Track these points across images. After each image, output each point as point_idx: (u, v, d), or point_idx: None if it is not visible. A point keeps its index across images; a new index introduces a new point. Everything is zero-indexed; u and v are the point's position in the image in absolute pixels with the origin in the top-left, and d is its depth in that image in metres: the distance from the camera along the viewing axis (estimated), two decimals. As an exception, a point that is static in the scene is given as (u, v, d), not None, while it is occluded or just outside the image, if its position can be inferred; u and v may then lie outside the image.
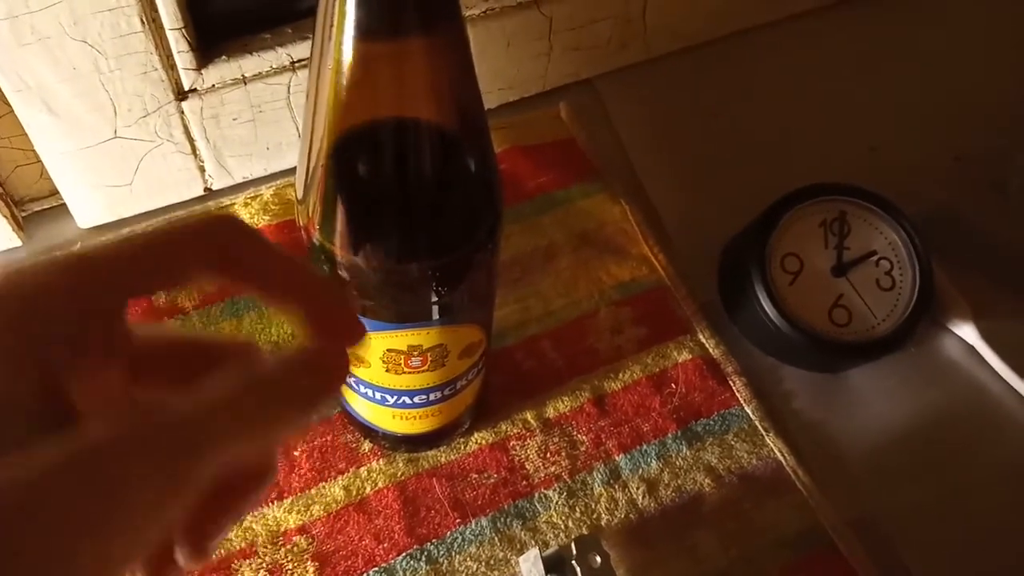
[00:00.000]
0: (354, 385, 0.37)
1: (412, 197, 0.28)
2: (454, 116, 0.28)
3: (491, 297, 0.36)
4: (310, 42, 0.44)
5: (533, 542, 0.41)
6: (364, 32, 0.23)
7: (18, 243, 0.47)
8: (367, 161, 0.27)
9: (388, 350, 0.33)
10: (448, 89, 0.27)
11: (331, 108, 0.25)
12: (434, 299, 0.31)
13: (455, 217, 0.29)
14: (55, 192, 0.47)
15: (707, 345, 0.47)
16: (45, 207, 0.48)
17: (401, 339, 0.32)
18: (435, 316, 0.32)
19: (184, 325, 0.45)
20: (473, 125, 0.28)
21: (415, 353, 0.33)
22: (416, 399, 0.37)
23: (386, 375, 0.35)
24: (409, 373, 0.34)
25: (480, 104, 0.28)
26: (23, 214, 0.48)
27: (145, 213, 0.48)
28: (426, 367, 0.34)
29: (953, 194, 0.54)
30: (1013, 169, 0.55)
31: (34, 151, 0.44)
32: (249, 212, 0.49)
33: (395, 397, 0.36)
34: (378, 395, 0.36)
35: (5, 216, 0.45)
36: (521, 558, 0.39)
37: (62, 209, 0.48)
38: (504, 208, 0.31)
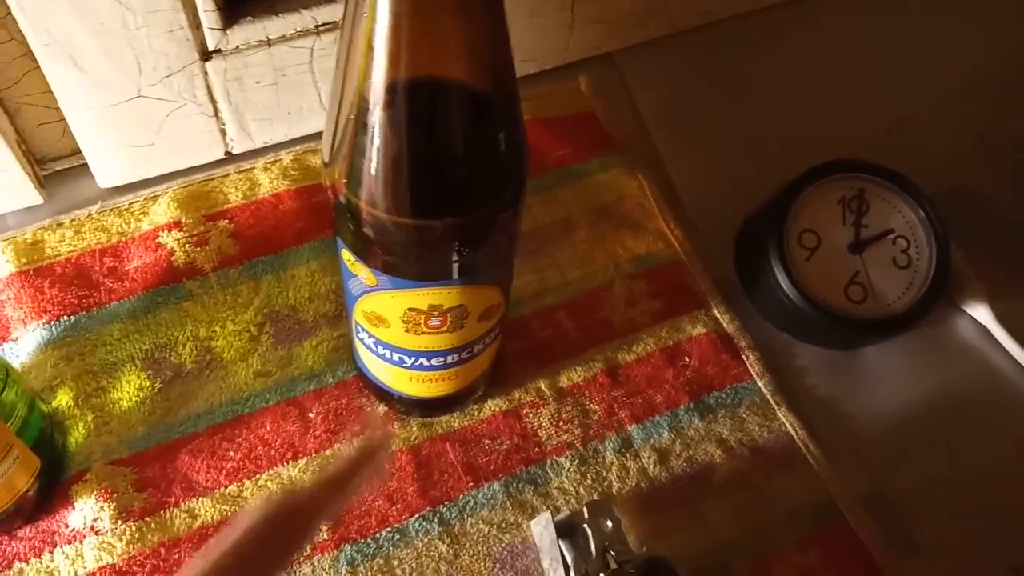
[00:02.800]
0: (372, 346, 0.37)
1: (439, 154, 0.28)
2: (487, 76, 0.28)
3: (511, 261, 0.36)
4: (335, 5, 0.44)
5: (545, 507, 0.41)
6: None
7: (39, 201, 0.47)
8: (397, 118, 0.27)
9: (409, 309, 0.33)
10: (482, 48, 0.27)
11: (363, 65, 0.26)
12: (455, 258, 0.31)
13: (483, 176, 0.29)
14: (76, 151, 0.47)
15: (721, 320, 0.47)
16: (66, 166, 0.49)
17: (423, 298, 0.33)
18: (456, 275, 0.32)
19: (202, 286, 0.45)
20: (504, 87, 0.29)
21: (435, 313, 0.33)
22: (434, 361, 0.37)
23: (405, 335, 0.35)
24: (428, 334, 0.35)
25: (512, 66, 0.28)
26: (44, 172, 0.48)
27: (165, 175, 0.48)
28: (445, 328, 0.35)
29: (971, 176, 0.54)
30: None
31: (57, 109, 0.44)
32: (269, 177, 0.49)
33: (413, 359, 0.37)
34: (396, 356, 0.37)
35: (28, 173, 0.46)
36: (533, 522, 0.40)
37: (83, 169, 0.48)
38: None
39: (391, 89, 0.26)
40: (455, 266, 0.32)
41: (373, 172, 0.28)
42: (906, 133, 0.56)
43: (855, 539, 0.41)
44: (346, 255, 0.33)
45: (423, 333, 0.35)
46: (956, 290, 0.48)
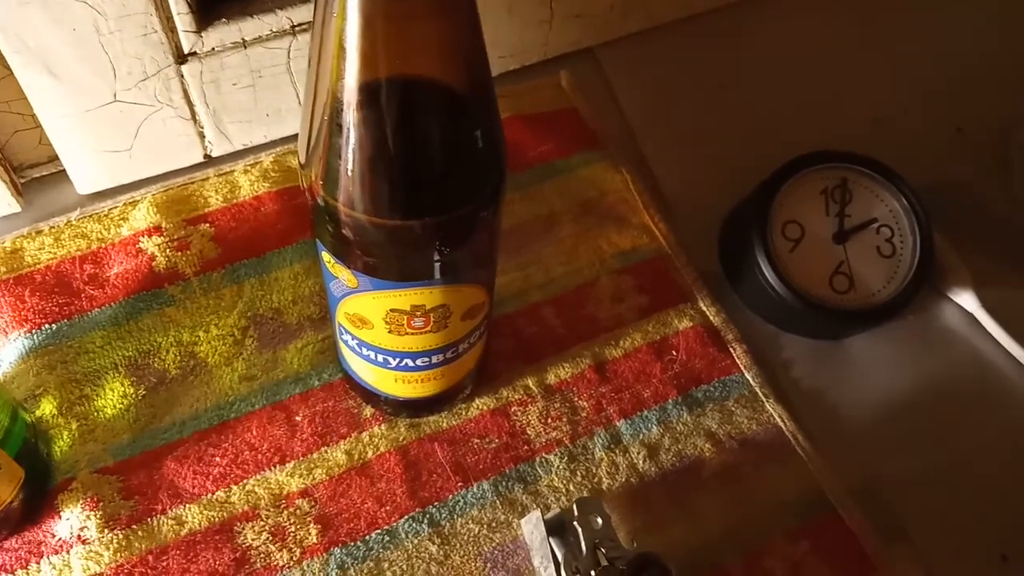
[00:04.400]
0: (356, 348, 0.37)
1: (417, 153, 0.28)
2: (460, 73, 0.27)
3: (494, 259, 0.36)
4: (310, 4, 0.44)
5: (535, 505, 0.41)
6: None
7: (17, 209, 0.47)
8: (371, 118, 0.27)
9: (391, 310, 0.33)
10: (455, 45, 0.26)
11: (335, 65, 0.25)
12: (436, 258, 0.31)
13: (461, 174, 0.29)
14: (54, 158, 0.47)
15: (708, 313, 0.47)
16: (44, 173, 0.48)
17: (404, 299, 0.32)
18: (437, 275, 0.32)
19: (185, 291, 0.45)
20: (479, 83, 0.28)
21: (418, 313, 0.33)
22: (419, 361, 0.37)
23: (388, 336, 0.35)
24: (412, 334, 0.35)
25: (486, 62, 0.28)
26: (22, 180, 0.48)
27: (144, 179, 0.48)
28: (429, 328, 0.34)
29: (954, 167, 0.54)
30: (1015, 142, 0.55)
31: (33, 116, 0.44)
32: (249, 179, 0.48)
33: (397, 359, 0.36)
34: (380, 357, 0.36)
35: (4, 182, 0.45)
36: (523, 520, 0.39)
37: (61, 176, 0.47)
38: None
39: (364, 89, 0.26)
40: (436, 266, 0.31)
41: (349, 173, 0.28)
42: (888, 125, 0.56)
43: (845, 530, 0.41)
44: (326, 257, 0.33)
45: (406, 334, 0.34)
46: (941, 278, 0.48)
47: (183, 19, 0.41)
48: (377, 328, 0.34)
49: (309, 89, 0.28)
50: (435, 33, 0.25)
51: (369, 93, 0.26)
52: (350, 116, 0.26)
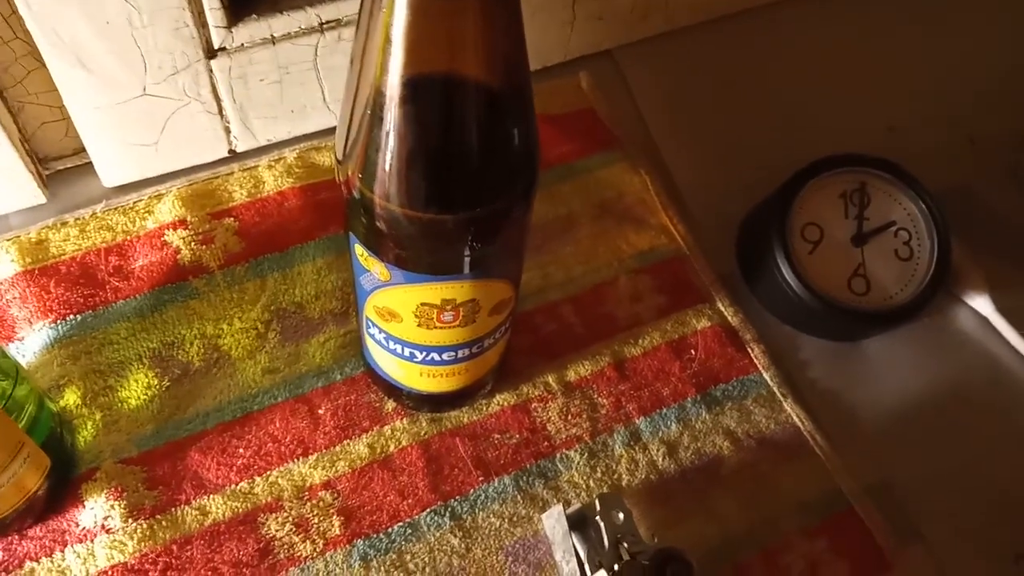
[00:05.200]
0: (384, 341, 0.37)
1: (454, 148, 0.28)
2: (503, 71, 0.28)
3: (522, 255, 0.36)
4: (339, 2, 0.44)
5: (555, 500, 0.41)
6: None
7: (43, 200, 0.47)
8: (414, 112, 0.27)
9: (422, 304, 0.33)
10: (498, 43, 0.27)
11: (380, 60, 0.26)
12: (468, 252, 0.31)
13: (497, 170, 0.30)
14: (80, 150, 0.47)
15: (726, 313, 0.47)
16: (70, 165, 0.48)
17: (435, 292, 0.33)
18: (469, 269, 0.32)
19: (209, 284, 0.45)
20: (519, 82, 0.29)
21: (448, 307, 0.34)
22: (445, 355, 0.37)
23: (417, 330, 0.35)
24: (440, 328, 0.35)
25: (526, 61, 0.28)
26: (47, 172, 0.48)
27: (170, 173, 0.48)
28: (457, 322, 0.35)
29: (968, 176, 0.55)
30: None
31: (60, 108, 0.44)
32: (273, 175, 0.49)
33: (424, 353, 0.37)
34: (407, 351, 0.37)
35: (31, 172, 0.46)
36: (544, 515, 0.40)
37: (86, 168, 0.48)
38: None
39: (408, 84, 0.26)
40: (468, 260, 0.32)
41: (388, 166, 0.28)
42: (903, 133, 0.56)
43: (862, 528, 0.42)
44: (359, 250, 0.33)
45: (435, 328, 0.35)
46: (956, 282, 0.49)
47: (215, 15, 0.42)
48: (406, 321, 0.35)
49: (351, 84, 0.28)
50: (481, 30, 0.26)
51: (413, 88, 0.26)
52: (393, 110, 0.27)
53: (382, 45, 0.25)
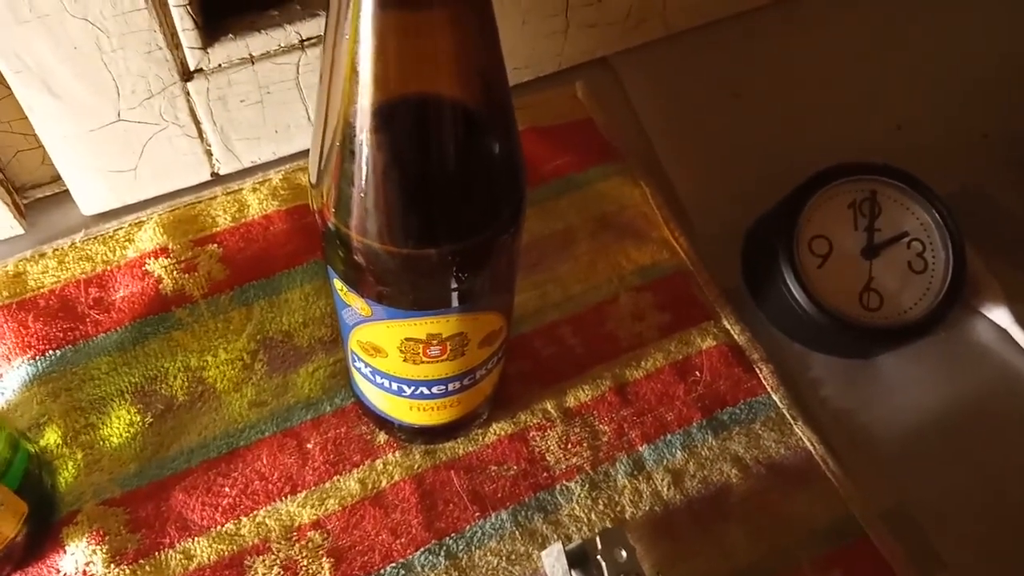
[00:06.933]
0: (370, 376, 0.35)
1: (433, 178, 0.26)
2: (478, 93, 0.26)
3: (512, 283, 0.34)
4: (321, 18, 0.42)
5: (555, 536, 0.39)
6: (384, 1, 0.22)
7: (20, 231, 0.46)
8: (385, 140, 0.25)
9: (406, 339, 0.32)
10: (472, 63, 0.25)
11: (347, 85, 0.24)
12: (454, 285, 0.30)
13: (479, 199, 0.28)
14: (57, 178, 0.46)
15: (732, 331, 0.45)
16: (47, 194, 0.47)
17: (420, 327, 0.31)
18: (455, 303, 0.30)
19: (192, 314, 0.44)
20: (498, 102, 0.27)
21: (434, 342, 0.32)
22: (434, 389, 0.35)
23: (403, 365, 0.33)
24: (427, 363, 0.33)
25: (505, 80, 0.26)
26: (25, 201, 0.46)
27: (150, 199, 0.47)
28: (445, 356, 0.33)
29: (980, 174, 0.53)
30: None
31: (35, 135, 0.43)
32: (258, 198, 0.47)
33: (413, 388, 0.35)
34: (395, 386, 0.35)
35: (7, 203, 0.44)
36: (543, 553, 0.38)
37: (65, 196, 0.46)
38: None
39: (377, 113, 0.24)
40: (453, 294, 0.30)
41: (362, 200, 0.26)
42: (913, 132, 0.54)
43: (878, 557, 0.40)
44: (338, 284, 0.31)
45: (422, 362, 0.33)
46: (972, 292, 0.47)
47: (188, 35, 0.40)
48: (392, 356, 0.33)
49: (320, 110, 0.26)
50: (451, 53, 0.24)
51: (383, 118, 0.24)
52: (363, 141, 0.25)
53: (348, 74, 0.24)
